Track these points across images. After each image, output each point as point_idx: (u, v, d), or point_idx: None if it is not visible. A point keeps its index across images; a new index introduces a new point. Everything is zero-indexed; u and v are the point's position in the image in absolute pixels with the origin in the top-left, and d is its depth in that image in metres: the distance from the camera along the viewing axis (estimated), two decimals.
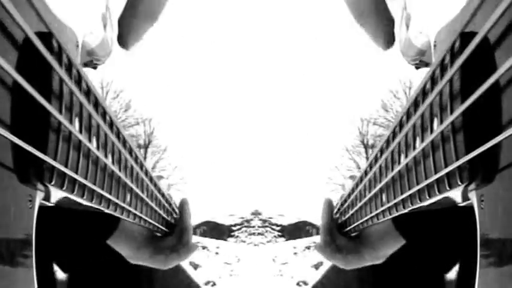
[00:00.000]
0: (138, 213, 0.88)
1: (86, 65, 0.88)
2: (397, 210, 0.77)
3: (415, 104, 0.63)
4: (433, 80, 0.57)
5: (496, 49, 0.47)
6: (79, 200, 0.61)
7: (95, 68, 0.92)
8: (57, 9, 0.60)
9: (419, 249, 1.13)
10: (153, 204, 0.99)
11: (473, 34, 0.47)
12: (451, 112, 0.52)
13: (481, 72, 0.47)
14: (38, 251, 0.51)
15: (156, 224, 1.06)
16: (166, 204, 1.16)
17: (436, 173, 0.57)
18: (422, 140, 0.61)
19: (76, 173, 0.56)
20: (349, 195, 1.12)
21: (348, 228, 1.16)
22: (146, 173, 0.92)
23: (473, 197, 0.52)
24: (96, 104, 0.62)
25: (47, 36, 0.49)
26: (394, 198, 0.75)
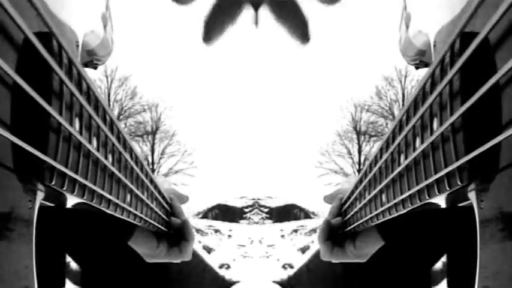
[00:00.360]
0: (138, 213, 0.88)
1: (86, 65, 0.88)
2: (397, 211, 0.77)
3: (415, 104, 0.63)
4: (433, 80, 0.57)
5: (496, 50, 0.46)
6: (79, 199, 0.61)
7: (95, 68, 0.92)
8: (57, 9, 0.60)
9: (401, 245, 1.17)
10: (153, 205, 0.99)
11: (473, 34, 0.47)
12: (451, 112, 0.52)
13: (481, 73, 0.47)
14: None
15: (156, 224, 1.06)
16: (166, 205, 1.17)
17: (436, 173, 0.57)
18: (422, 141, 0.61)
19: (76, 173, 0.56)
20: (349, 197, 1.12)
21: (348, 228, 1.16)
22: (146, 173, 0.92)
23: (473, 197, 0.52)
24: (97, 104, 0.62)
25: (47, 36, 0.49)
26: (394, 198, 0.75)
